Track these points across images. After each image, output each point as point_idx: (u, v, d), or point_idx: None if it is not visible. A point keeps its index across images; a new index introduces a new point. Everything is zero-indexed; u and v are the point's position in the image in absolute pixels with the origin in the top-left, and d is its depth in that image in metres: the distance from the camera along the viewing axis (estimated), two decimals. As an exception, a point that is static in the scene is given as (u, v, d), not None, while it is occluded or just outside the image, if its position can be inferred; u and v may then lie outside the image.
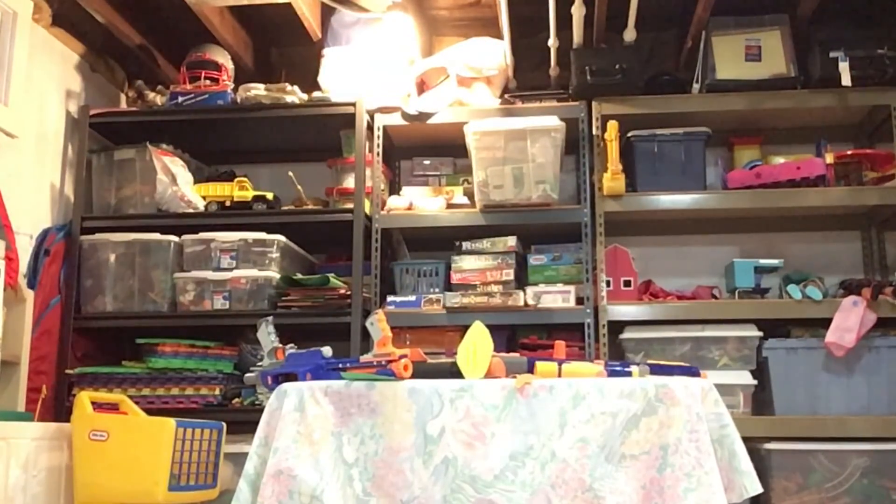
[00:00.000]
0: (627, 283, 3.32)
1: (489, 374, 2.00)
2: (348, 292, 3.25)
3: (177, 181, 3.43)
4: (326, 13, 3.67)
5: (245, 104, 3.46)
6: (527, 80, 3.73)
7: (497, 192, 3.30)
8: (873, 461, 2.90)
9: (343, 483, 1.91)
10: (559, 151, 3.29)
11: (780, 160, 3.36)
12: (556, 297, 3.27)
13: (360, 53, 3.52)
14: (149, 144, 3.46)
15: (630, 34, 3.38)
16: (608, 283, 3.29)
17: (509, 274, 3.28)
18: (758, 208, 3.30)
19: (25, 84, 3.12)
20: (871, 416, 3.01)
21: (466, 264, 3.33)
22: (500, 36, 3.50)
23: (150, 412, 2.75)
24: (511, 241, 3.33)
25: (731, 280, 3.28)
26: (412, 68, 3.55)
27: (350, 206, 3.35)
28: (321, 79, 3.56)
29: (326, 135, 3.60)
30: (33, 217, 3.27)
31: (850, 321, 3.01)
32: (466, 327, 2.10)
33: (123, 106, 3.82)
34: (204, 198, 3.45)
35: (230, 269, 3.31)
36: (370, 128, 3.46)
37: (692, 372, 2.06)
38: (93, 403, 2.67)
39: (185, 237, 3.37)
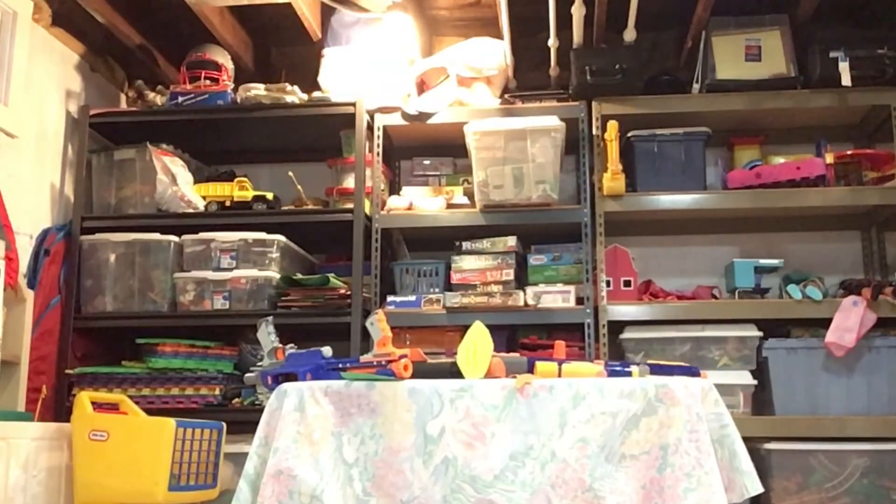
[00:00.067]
0: (627, 283, 3.32)
1: (489, 374, 2.00)
2: (348, 292, 3.25)
3: (177, 181, 3.43)
4: (326, 13, 3.67)
5: (245, 104, 3.46)
6: (527, 80, 3.73)
7: (497, 192, 3.30)
8: (873, 461, 2.90)
9: (343, 483, 1.91)
10: (559, 151, 3.29)
11: (780, 160, 3.36)
12: (556, 297, 3.27)
13: (360, 53, 3.52)
14: (149, 144, 3.46)
15: (630, 34, 3.38)
16: (608, 283, 3.29)
17: (509, 274, 3.28)
18: (758, 208, 3.29)
19: (25, 84, 3.12)
20: (871, 416, 3.01)
21: (466, 264, 3.33)
22: (500, 36, 3.50)
23: (150, 412, 2.75)
24: (511, 241, 3.33)
25: (731, 280, 3.28)
26: (412, 68, 3.55)
27: (350, 206, 3.35)
28: (321, 79, 3.56)
29: (326, 135, 3.60)
30: (33, 217, 3.27)
31: (850, 321, 3.01)
32: (466, 327, 2.10)
33: (123, 106, 3.82)
34: (204, 198, 3.45)
35: (230, 269, 3.31)
36: (370, 128, 3.46)
37: (692, 372, 2.06)
38: (93, 403, 2.67)
39: (185, 237, 3.37)
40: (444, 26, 3.89)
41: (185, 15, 3.37)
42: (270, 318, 2.26)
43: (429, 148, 3.76)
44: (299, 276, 3.32)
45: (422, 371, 2.02)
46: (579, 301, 3.26)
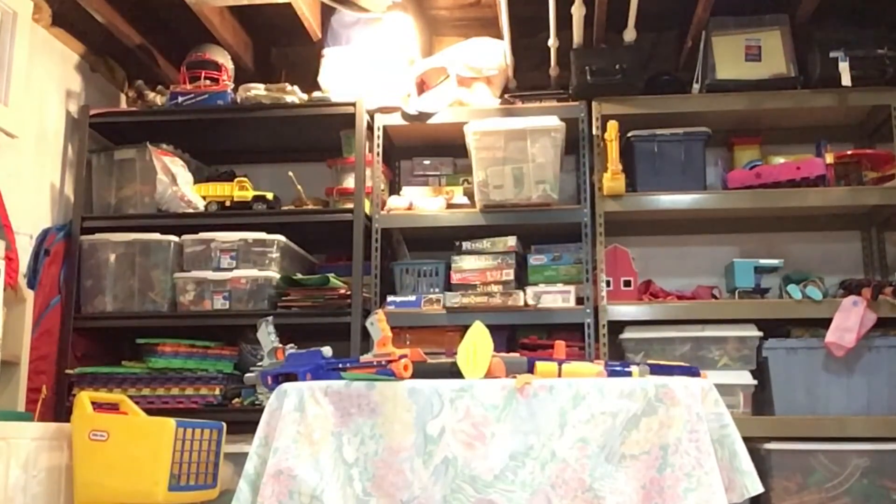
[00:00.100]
0: (627, 283, 3.32)
1: (489, 374, 2.00)
2: (348, 292, 3.25)
3: (177, 181, 3.43)
4: (326, 13, 3.67)
5: (245, 104, 3.46)
6: (527, 80, 3.73)
7: (497, 192, 3.30)
8: (873, 461, 2.90)
9: (343, 483, 1.91)
10: (559, 151, 3.29)
11: (780, 160, 3.36)
12: (556, 297, 3.27)
13: (360, 53, 3.52)
14: (149, 144, 3.46)
15: (630, 34, 3.38)
16: (608, 283, 3.29)
17: (509, 274, 3.28)
18: (758, 208, 3.30)
19: (25, 84, 3.12)
20: (871, 416, 3.01)
21: (466, 264, 3.33)
22: (500, 36, 3.50)
23: (150, 412, 2.75)
24: (511, 241, 3.33)
25: (731, 280, 3.28)
26: (412, 68, 3.55)
27: (350, 206, 3.35)
28: (321, 79, 3.56)
29: (326, 135, 3.60)
30: (33, 217, 3.27)
31: (850, 321, 3.01)
32: (466, 327, 2.10)
33: (123, 106, 3.82)
34: (204, 198, 3.45)
35: (230, 269, 3.31)
36: (370, 128, 3.46)
37: (692, 372, 2.06)
38: (93, 403, 2.67)
39: (185, 237, 3.37)
40: (444, 26, 3.89)
41: (185, 15, 3.37)
42: (270, 318, 2.26)
43: (429, 148, 3.76)
44: (299, 276, 3.32)
45: (422, 371, 2.02)
46: (579, 301, 3.26)
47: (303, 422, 1.95)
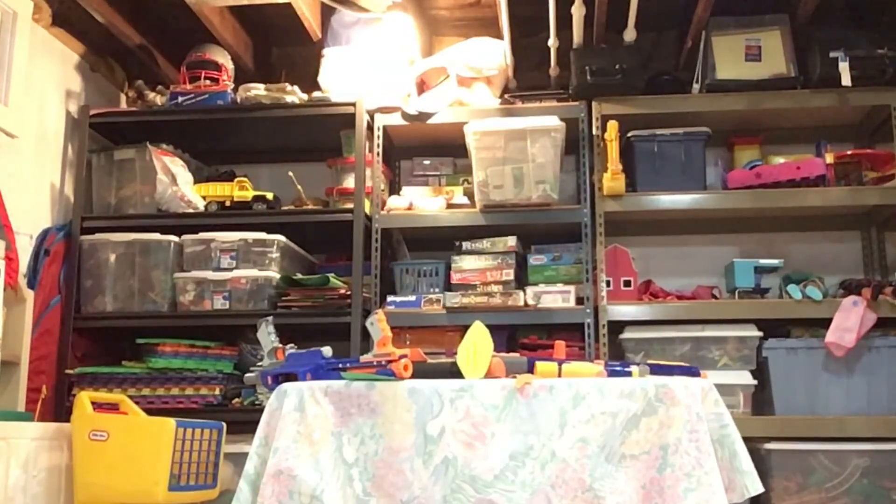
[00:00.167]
0: (627, 283, 3.32)
1: (489, 374, 2.00)
2: (348, 292, 3.25)
3: (177, 181, 3.43)
4: (326, 13, 3.67)
5: (245, 104, 3.46)
6: (527, 80, 3.73)
7: (497, 192, 3.30)
8: (873, 461, 2.90)
9: (343, 483, 1.91)
10: (559, 151, 3.29)
11: (780, 160, 3.36)
12: (556, 297, 3.27)
13: (360, 53, 3.52)
14: (149, 144, 3.46)
15: (630, 34, 3.38)
16: (608, 283, 3.29)
17: (509, 274, 3.28)
18: (758, 208, 3.30)
19: (25, 84, 3.12)
20: (871, 416, 3.01)
21: (466, 264, 3.33)
22: (500, 36, 3.50)
23: (150, 412, 2.75)
24: (511, 241, 3.33)
25: (731, 280, 3.28)
26: (412, 68, 3.55)
27: (350, 206, 3.35)
28: (321, 79, 3.56)
29: (326, 135, 3.60)
30: (33, 217, 3.27)
31: (850, 321, 3.01)
32: (466, 327, 2.10)
33: (123, 106, 3.82)
34: (204, 198, 3.45)
35: (230, 269, 3.31)
36: (370, 128, 3.46)
37: (692, 372, 2.06)
38: (93, 403, 2.67)
39: (185, 237, 3.37)
40: (444, 26, 3.89)
41: (185, 15, 3.37)
42: (270, 318, 2.26)
43: (429, 148, 3.76)
44: (299, 276, 3.32)
45: (422, 371, 2.02)
46: (579, 301, 3.26)
47: (303, 422, 1.95)
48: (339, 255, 3.72)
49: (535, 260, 3.36)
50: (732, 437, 1.95)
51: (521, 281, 3.35)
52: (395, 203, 3.44)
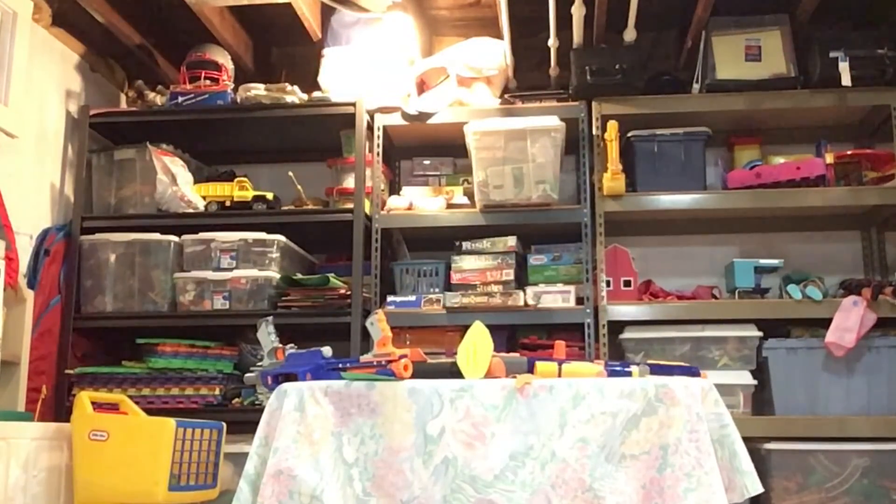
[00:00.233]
0: (627, 283, 3.32)
1: (489, 374, 2.00)
2: (348, 292, 3.25)
3: (177, 181, 3.43)
4: (326, 13, 3.67)
5: (245, 104, 3.46)
6: (527, 80, 3.73)
7: (497, 192, 3.30)
8: (873, 461, 2.90)
9: (343, 483, 1.91)
10: (559, 151, 3.29)
11: (780, 160, 3.36)
12: (556, 297, 3.27)
13: (360, 53, 3.52)
14: (149, 144, 3.46)
15: (630, 34, 3.38)
16: (608, 283, 3.29)
17: (509, 274, 3.28)
18: (758, 208, 3.30)
19: (25, 84, 3.12)
20: (871, 416, 3.01)
21: (466, 264, 3.33)
22: (500, 36, 3.50)
23: (150, 412, 2.75)
24: (511, 241, 3.33)
25: (731, 280, 3.28)
26: (412, 68, 3.55)
27: (350, 206, 3.35)
28: (321, 79, 3.56)
29: (326, 135, 3.60)
30: (33, 217, 3.27)
31: (850, 321, 3.01)
32: (466, 327, 2.10)
33: (123, 106, 3.82)
34: (204, 198, 3.45)
35: (230, 269, 3.31)
36: (370, 128, 3.46)
37: (692, 372, 2.06)
38: (93, 403, 2.67)
39: (185, 237, 3.37)
40: (444, 26, 3.89)
41: (185, 15, 3.37)
42: (270, 318, 2.26)
43: (429, 148, 3.76)
44: (299, 276, 3.32)
45: (422, 371, 2.02)
46: (579, 301, 3.26)
47: (303, 422, 1.95)
48: (339, 255, 3.72)
49: (535, 260, 3.36)
50: (732, 437, 1.95)
51: (521, 281, 3.35)
52: (395, 203, 3.44)
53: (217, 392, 3.21)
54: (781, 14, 3.39)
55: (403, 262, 3.48)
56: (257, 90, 3.46)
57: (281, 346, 2.20)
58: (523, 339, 3.33)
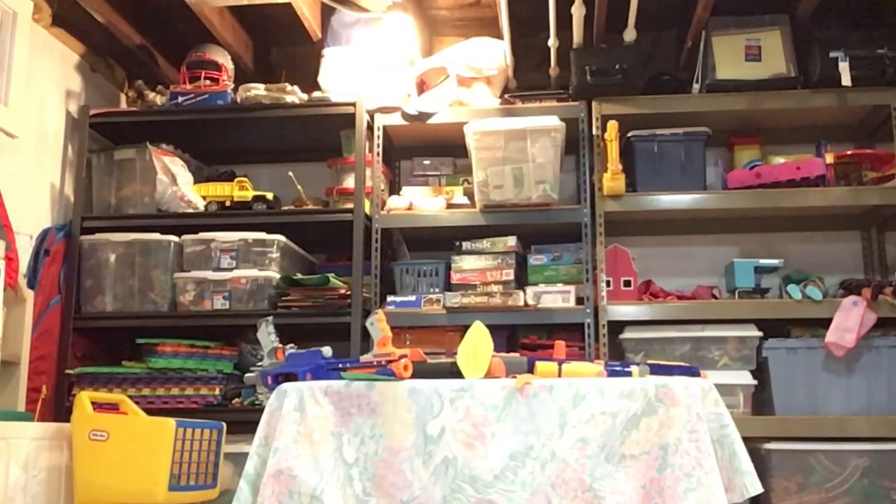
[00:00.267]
0: (627, 283, 3.32)
1: (489, 374, 2.00)
2: (348, 292, 3.25)
3: (177, 181, 3.43)
4: (326, 13, 3.67)
5: (245, 104, 3.46)
6: (527, 80, 3.73)
7: (497, 192, 3.30)
8: (873, 461, 2.90)
9: (343, 483, 1.91)
10: (559, 151, 3.29)
11: (780, 160, 3.36)
12: (556, 297, 3.27)
13: (360, 53, 3.52)
14: (149, 144, 3.46)
15: (630, 34, 3.38)
16: (608, 283, 3.29)
17: (509, 274, 3.28)
18: (758, 208, 3.30)
19: (25, 84, 3.12)
20: (871, 416, 3.01)
21: (466, 264, 3.33)
22: (500, 36, 3.50)
23: (150, 412, 2.75)
24: (511, 241, 3.33)
25: (731, 280, 3.28)
26: (412, 68, 3.55)
27: (350, 206, 3.35)
28: (321, 79, 3.56)
29: (326, 135, 3.60)
30: (33, 217, 3.27)
31: (850, 321, 3.01)
32: (466, 327, 2.10)
33: (123, 106, 3.82)
34: (204, 198, 3.45)
35: (230, 269, 3.31)
36: (370, 128, 3.46)
37: (692, 372, 2.06)
38: (93, 403, 2.67)
39: (185, 237, 3.37)
40: (444, 26, 3.89)
41: (185, 15, 3.37)
42: (270, 318, 2.26)
43: (429, 148, 3.76)
44: (299, 276, 3.32)
45: (422, 371, 2.02)
46: (579, 301, 3.26)
47: (303, 422, 1.95)
48: (339, 255, 3.72)
49: (535, 260, 3.36)
50: (732, 437, 1.95)
51: (521, 281, 3.35)
52: (395, 203, 3.44)
53: (217, 392, 3.21)
54: (781, 14, 3.39)
55: (403, 262, 3.48)
56: (257, 90, 3.46)
57: (281, 346, 2.20)
58: (523, 339, 3.33)
